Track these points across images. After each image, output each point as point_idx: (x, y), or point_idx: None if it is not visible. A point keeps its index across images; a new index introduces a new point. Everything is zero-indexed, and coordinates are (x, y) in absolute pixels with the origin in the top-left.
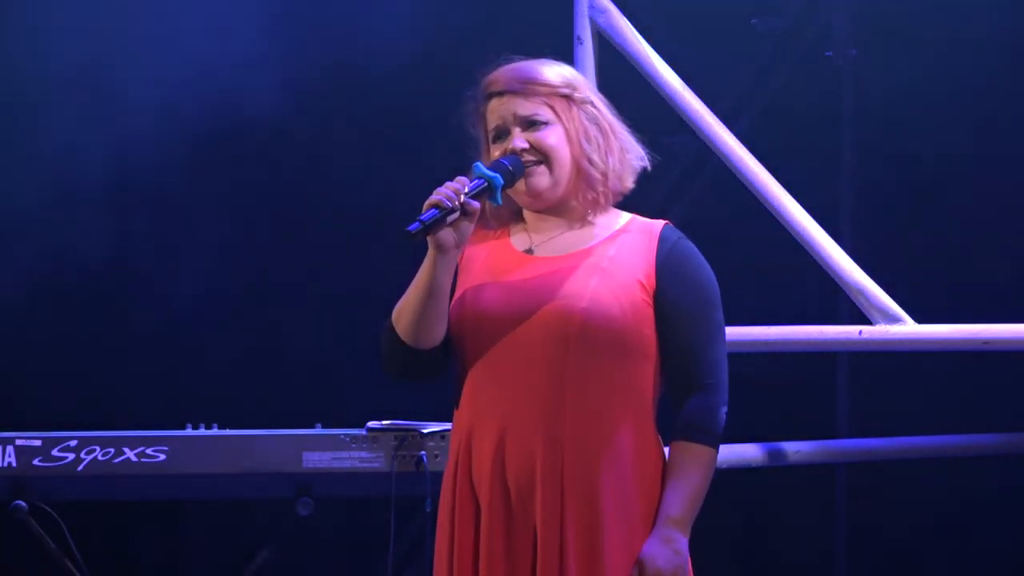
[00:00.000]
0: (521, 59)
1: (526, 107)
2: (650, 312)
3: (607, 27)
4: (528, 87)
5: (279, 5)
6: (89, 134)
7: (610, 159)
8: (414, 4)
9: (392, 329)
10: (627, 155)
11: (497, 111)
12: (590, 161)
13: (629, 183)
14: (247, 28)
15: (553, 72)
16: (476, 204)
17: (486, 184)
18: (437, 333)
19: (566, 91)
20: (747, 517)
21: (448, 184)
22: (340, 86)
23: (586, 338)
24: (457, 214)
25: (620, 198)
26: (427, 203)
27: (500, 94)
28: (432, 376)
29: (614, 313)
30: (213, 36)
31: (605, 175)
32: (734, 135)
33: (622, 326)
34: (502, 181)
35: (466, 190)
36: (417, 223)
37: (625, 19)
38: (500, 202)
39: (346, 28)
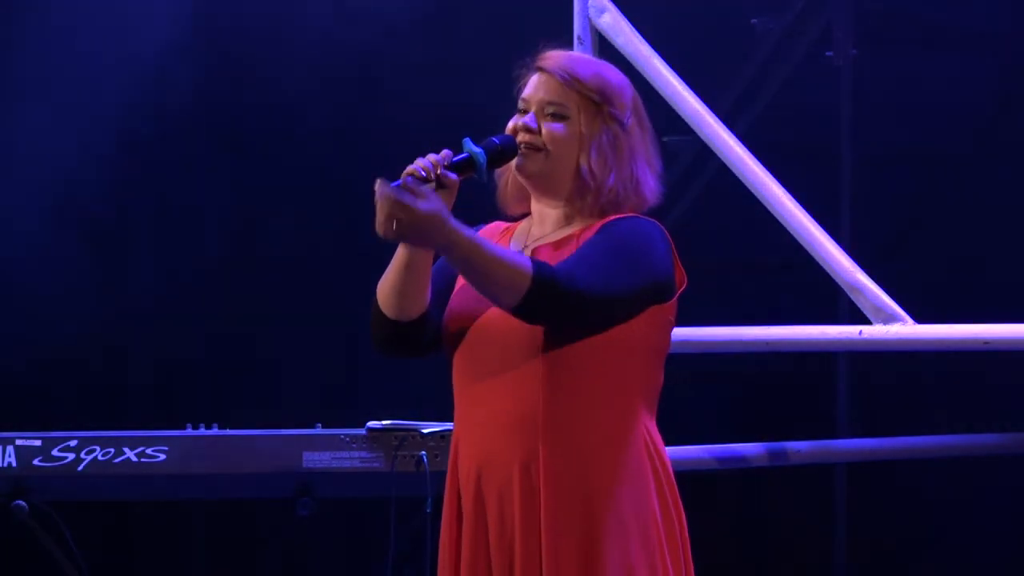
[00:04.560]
0: (583, 54)
1: (555, 95)
2: None
3: (607, 27)
4: (567, 78)
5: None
6: (86, 129)
7: (611, 177)
8: (414, 3)
9: (376, 301)
10: (636, 183)
11: (532, 86)
12: (591, 169)
13: (626, 209)
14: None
15: (599, 78)
16: (454, 177)
17: (469, 159)
18: (416, 306)
19: (598, 98)
20: (747, 517)
21: (429, 155)
22: (342, 85)
23: (558, 339)
24: (433, 185)
25: (614, 213)
26: (404, 172)
27: (542, 71)
28: (417, 352)
29: None
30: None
31: (599, 189)
32: (734, 135)
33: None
34: (485, 158)
35: (446, 163)
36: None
37: (625, 19)
38: (485, 179)
39: (346, 26)
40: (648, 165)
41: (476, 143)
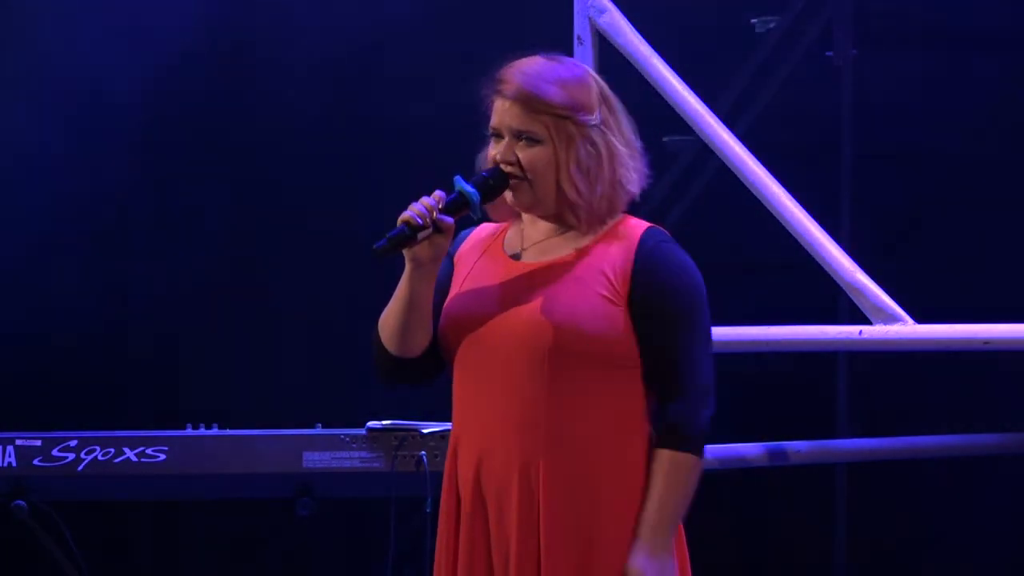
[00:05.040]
0: (541, 57)
1: (523, 121)
2: (624, 318)
3: (607, 27)
4: (530, 102)
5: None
6: (86, 129)
7: (598, 188)
8: (414, 3)
9: (378, 339)
10: (621, 182)
11: (498, 113)
12: (576, 189)
13: (619, 208)
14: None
15: (560, 88)
16: (450, 220)
17: (463, 200)
18: (419, 343)
19: (566, 114)
20: (747, 517)
21: (423, 199)
22: (342, 85)
23: (561, 349)
24: (430, 231)
25: (609, 218)
26: (399, 219)
27: (504, 97)
28: (422, 383)
29: (588, 322)
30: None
31: (590, 203)
32: (734, 135)
33: (597, 335)
34: (479, 198)
35: (441, 206)
36: (384, 240)
37: (625, 19)
38: (479, 216)
39: (345, 25)
40: (628, 156)
41: (466, 180)
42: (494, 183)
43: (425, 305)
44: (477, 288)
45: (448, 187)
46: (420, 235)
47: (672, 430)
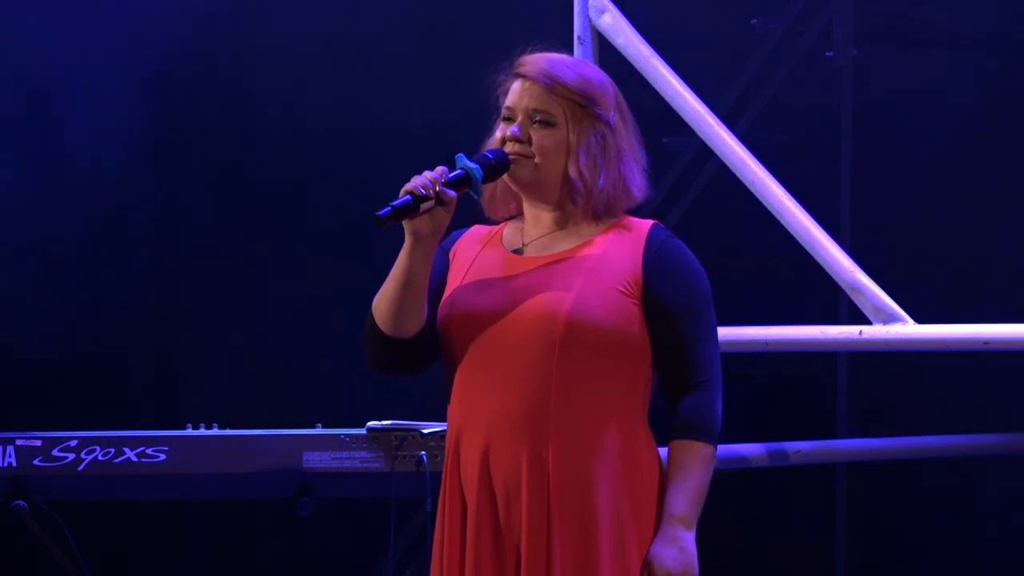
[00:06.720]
0: (563, 52)
1: (542, 102)
2: (637, 312)
3: (607, 27)
4: (551, 84)
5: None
6: (87, 129)
7: (601, 179)
8: (415, 3)
9: (372, 319)
10: (624, 182)
11: (516, 93)
12: (580, 174)
13: (619, 208)
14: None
15: (582, 80)
16: (453, 194)
17: (465, 175)
18: (414, 323)
19: (583, 101)
20: (747, 517)
21: (426, 172)
22: (339, 83)
23: (571, 339)
24: (432, 203)
25: (607, 216)
26: (402, 190)
27: (524, 78)
28: (414, 369)
29: (599, 314)
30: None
31: (590, 192)
32: (734, 135)
33: (608, 326)
34: (481, 174)
35: (444, 180)
36: (388, 208)
37: (625, 19)
38: (480, 194)
39: (345, 25)
40: (635, 161)
41: (469, 158)
42: (496, 164)
43: (421, 284)
44: (480, 280)
45: (451, 167)
46: (423, 206)
47: (690, 422)
